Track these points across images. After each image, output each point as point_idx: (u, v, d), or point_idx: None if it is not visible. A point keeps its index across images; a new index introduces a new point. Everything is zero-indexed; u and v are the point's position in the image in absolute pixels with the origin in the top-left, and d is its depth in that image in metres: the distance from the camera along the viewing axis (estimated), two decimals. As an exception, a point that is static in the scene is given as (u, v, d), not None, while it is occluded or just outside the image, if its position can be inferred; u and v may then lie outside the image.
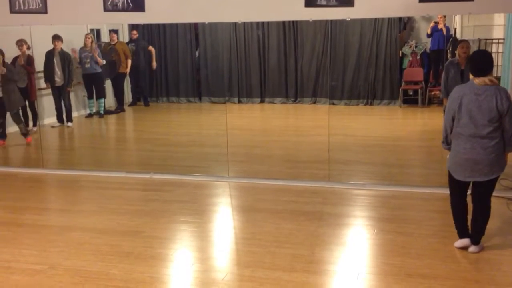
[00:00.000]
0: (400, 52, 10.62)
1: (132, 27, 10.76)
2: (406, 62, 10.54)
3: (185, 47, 11.87)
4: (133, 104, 11.01)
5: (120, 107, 10.47)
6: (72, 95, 9.34)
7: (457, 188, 4.05)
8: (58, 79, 8.76)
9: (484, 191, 3.96)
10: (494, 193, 4.02)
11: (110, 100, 10.40)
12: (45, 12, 6.36)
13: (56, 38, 8.59)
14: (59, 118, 9.05)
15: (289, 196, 5.53)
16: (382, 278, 3.65)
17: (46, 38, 8.48)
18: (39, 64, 8.67)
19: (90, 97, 9.76)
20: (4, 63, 7.76)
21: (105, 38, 10.41)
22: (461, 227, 4.07)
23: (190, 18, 6.39)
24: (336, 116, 9.47)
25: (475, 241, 4.02)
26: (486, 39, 7.97)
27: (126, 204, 5.39)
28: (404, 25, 10.87)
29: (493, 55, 4.59)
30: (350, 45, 10.98)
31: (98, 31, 10.29)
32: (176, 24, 11.41)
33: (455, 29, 9.02)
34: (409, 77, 10.32)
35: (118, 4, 6.12)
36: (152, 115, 11.13)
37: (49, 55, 8.69)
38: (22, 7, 6.43)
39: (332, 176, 6.02)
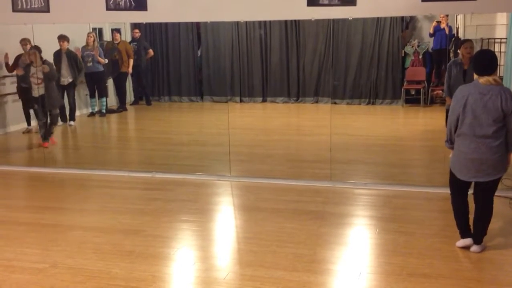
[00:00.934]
0: (403, 51, 10.60)
1: (134, 26, 10.74)
2: (408, 62, 10.52)
3: (187, 46, 11.83)
4: (135, 103, 11.00)
5: (122, 106, 10.46)
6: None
7: (458, 187, 4.05)
8: (64, 78, 8.76)
9: (487, 191, 3.95)
10: (496, 193, 4.01)
11: (112, 99, 10.40)
12: (48, 10, 6.38)
13: (62, 38, 8.52)
14: (62, 117, 9.04)
15: (291, 196, 5.53)
16: (384, 278, 3.65)
17: (48, 37, 8.46)
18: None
19: (92, 96, 9.77)
20: (43, 60, 7.57)
21: (107, 37, 10.40)
22: (463, 226, 4.07)
23: (192, 17, 6.38)
24: (338, 116, 9.48)
25: (477, 241, 4.01)
26: (488, 39, 7.94)
27: (127, 203, 5.40)
28: (407, 24, 10.85)
29: (496, 54, 4.57)
30: (352, 44, 10.96)
31: (100, 30, 10.28)
32: (178, 23, 11.38)
33: (457, 29, 8.99)
34: (411, 76, 10.29)
35: (120, 3, 6.12)
36: (154, 114, 11.12)
37: (57, 55, 8.67)
38: (24, 5, 6.44)
39: (334, 175, 6.02)
